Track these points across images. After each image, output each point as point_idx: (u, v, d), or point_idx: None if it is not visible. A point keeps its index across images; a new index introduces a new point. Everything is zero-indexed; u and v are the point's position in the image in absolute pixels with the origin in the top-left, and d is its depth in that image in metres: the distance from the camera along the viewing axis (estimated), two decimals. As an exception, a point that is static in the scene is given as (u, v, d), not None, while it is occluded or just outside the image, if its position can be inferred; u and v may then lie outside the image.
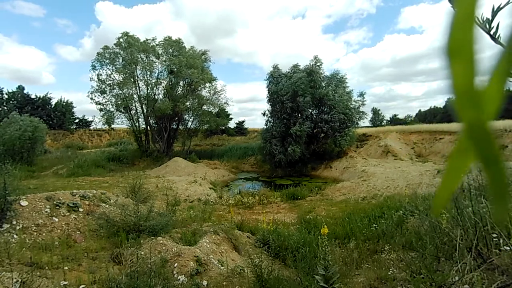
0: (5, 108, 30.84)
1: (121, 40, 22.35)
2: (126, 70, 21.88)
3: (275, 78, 22.25)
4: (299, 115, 21.22)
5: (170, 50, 23.81)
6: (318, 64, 22.22)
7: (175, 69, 22.53)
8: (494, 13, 0.41)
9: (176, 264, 3.41)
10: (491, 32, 0.40)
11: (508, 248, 1.80)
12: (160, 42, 23.83)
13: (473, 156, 0.21)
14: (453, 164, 0.21)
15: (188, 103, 23.49)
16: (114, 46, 22.44)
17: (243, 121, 45.24)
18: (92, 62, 22.52)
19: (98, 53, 22.36)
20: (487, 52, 0.20)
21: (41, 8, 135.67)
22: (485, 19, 0.41)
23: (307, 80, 21.00)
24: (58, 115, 34.74)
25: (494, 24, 0.41)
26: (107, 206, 5.15)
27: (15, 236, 3.69)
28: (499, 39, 0.40)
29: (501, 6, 0.42)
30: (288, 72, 22.45)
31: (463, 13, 0.20)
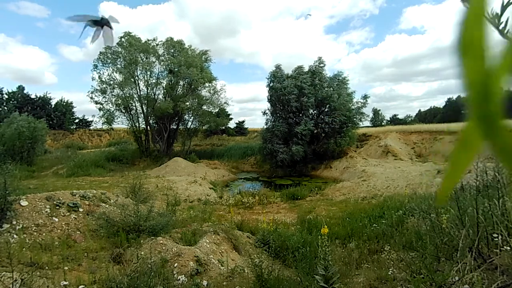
0: (5, 108, 30.84)
1: (123, 40, 22.39)
2: (127, 70, 21.91)
3: (277, 78, 22.26)
4: (302, 115, 21.26)
5: (172, 51, 23.86)
6: (321, 65, 22.39)
7: (175, 69, 22.55)
8: (504, 8, 0.41)
9: (176, 264, 3.41)
10: (500, 28, 0.40)
11: (509, 248, 1.80)
12: (160, 42, 23.88)
13: (477, 149, 0.21)
14: (457, 157, 0.22)
15: (188, 103, 23.49)
16: (116, 46, 22.48)
17: (243, 121, 45.18)
18: (94, 62, 22.61)
19: (100, 53, 22.44)
20: (497, 47, 0.21)
21: (45, 9, 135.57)
22: (494, 14, 0.41)
23: (310, 81, 21.13)
24: (58, 115, 34.73)
25: (503, 19, 0.40)
26: (107, 206, 5.14)
27: (15, 236, 3.69)
28: (507, 35, 0.40)
29: (510, 1, 0.42)
30: (291, 74, 22.49)
31: (475, 9, 0.20)
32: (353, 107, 21.91)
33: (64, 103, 36.11)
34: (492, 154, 0.21)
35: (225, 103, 25.80)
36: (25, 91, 33.18)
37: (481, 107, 0.20)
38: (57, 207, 4.44)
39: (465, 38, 0.20)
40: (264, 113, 23.47)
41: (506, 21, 0.40)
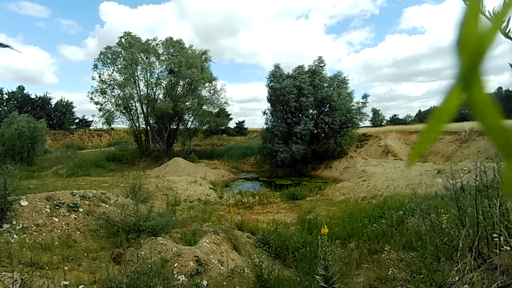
0: (5, 108, 30.84)
1: (122, 40, 22.39)
2: (127, 70, 21.90)
3: (277, 78, 22.22)
4: (301, 115, 21.25)
5: (171, 50, 23.85)
6: (321, 65, 22.35)
7: (175, 69, 22.54)
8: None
9: (176, 264, 3.41)
10: (502, 27, 0.40)
11: (509, 248, 1.80)
12: (160, 42, 23.87)
13: (447, 120, 0.24)
14: (431, 127, 0.25)
15: (188, 103, 23.48)
16: (116, 46, 22.48)
17: (243, 121, 45.20)
18: (95, 61, 22.60)
19: (101, 52, 22.43)
20: (498, 46, 0.22)
21: (46, 9, 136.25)
22: (496, 13, 0.41)
23: (309, 80, 21.12)
24: (58, 115, 34.74)
25: (505, 18, 0.41)
26: (107, 206, 5.14)
27: (15, 236, 3.69)
28: (510, 34, 0.40)
29: None
30: (292, 73, 22.45)
31: (472, 8, 0.21)
32: (353, 107, 21.91)
33: (64, 103, 36.12)
34: (472, 116, 0.23)
35: (225, 103, 25.83)
36: (25, 91, 33.22)
37: (466, 68, 0.21)
38: (57, 207, 4.44)
39: (463, 36, 0.21)
40: (264, 113, 23.48)
41: (508, 21, 0.40)
